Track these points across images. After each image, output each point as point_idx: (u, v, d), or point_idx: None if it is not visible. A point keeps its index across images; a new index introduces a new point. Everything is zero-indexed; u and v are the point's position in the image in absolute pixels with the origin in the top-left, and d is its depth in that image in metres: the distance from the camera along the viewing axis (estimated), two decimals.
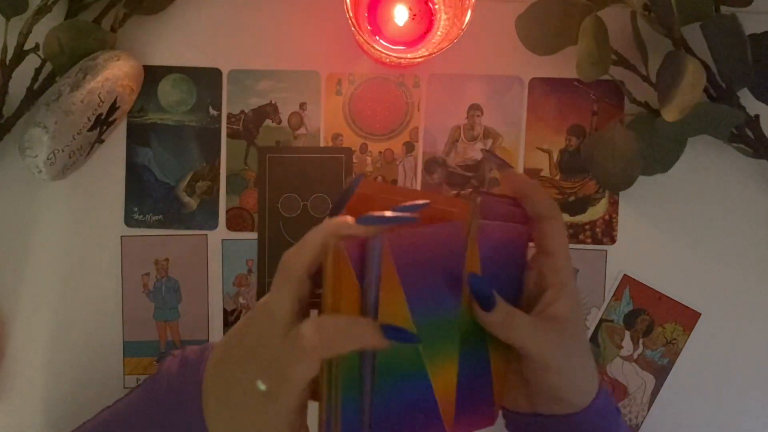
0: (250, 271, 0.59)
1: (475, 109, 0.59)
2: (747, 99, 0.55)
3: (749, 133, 0.56)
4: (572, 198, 0.59)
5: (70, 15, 0.55)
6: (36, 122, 0.51)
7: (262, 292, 0.59)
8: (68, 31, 0.53)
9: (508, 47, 0.57)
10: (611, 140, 0.56)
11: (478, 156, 0.59)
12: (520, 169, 0.59)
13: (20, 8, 0.54)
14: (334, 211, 0.39)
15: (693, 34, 0.53)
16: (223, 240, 0.59)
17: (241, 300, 0.59)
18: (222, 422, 0.39)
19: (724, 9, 0.54)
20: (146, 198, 0.58)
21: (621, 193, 0.59)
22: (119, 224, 0.58)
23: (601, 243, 0.59)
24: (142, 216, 0.58)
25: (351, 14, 0.50)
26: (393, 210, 0.37)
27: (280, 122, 0.59)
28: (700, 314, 0.59)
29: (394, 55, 0.52)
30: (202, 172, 0.59)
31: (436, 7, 0.55)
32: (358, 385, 0.37)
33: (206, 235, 0.59)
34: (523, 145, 0.59)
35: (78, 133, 0.53)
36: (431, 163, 0.59)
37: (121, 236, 0.58)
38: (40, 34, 0.53)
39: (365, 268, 0.36)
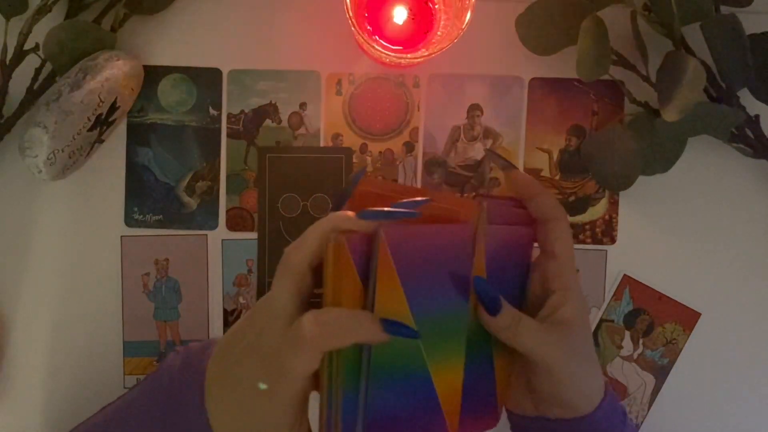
0: (250, 271, 0.59)
1: (475, 109, 0.59)
2: (747, 99, 0.55)
3: (749, 133, 0.56)
4: (572, 198, 0.59)
5: (70, 15, 0.55)
6: (36, 122, 0.51)
7: (262, 292, 0.59)
8: (68, 31, 0.53)
9: (508, 47, 0.57)
10: (611, 140, 0.56)
11: (478, 156, 0.59)
12: (520, 169, 0.59)
13: (20, 8, 0.54)
14: (336, 206, 0.39)
15: (693, 34, 0.53)
16: (223, 240, 0.59)
17: (241, 300, 0.59)
18: (224, 418, 0.39)
19: (724, 9, 0.54)
20: (146, 198, 0.58)
21: (621, 193, 0.59)
22: (119, 224, 0.58)
23: (601, 243, 0.59)
24: (142, 216, 0.58)
25: (351, 14, 0.49)
26: (394, 206, 0.37)
27: (280, 122, 0.59)
28: (700, 314, 0.59)
29: (394, 55, 0.52)
30: (202, 172, 0.59)
31: (436, 7, 0.55)
32: (358, 380, 0.37)
33: (206, 235, 0.59)
34: (523, 145, 0.59)
35: (78, 133, 0.53)
36: (431, 163, 0.59)
37: (121, 236, 0.58)
38: (40, 34, 0.53)
39: (369, 263, 0.36)
